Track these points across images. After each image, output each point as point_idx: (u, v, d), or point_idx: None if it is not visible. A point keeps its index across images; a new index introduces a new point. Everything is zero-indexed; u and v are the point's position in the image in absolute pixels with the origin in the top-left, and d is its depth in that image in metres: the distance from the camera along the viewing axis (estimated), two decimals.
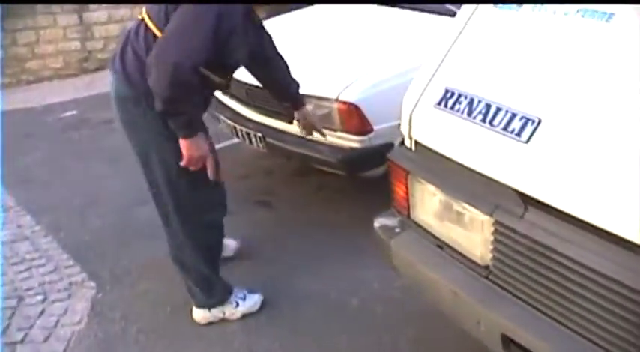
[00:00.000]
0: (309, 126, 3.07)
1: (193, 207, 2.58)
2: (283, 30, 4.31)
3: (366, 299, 2.92)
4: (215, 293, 2.79)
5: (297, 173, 4.14)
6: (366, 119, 3.13)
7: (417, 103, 2.02)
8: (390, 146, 3.30)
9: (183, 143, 2.32)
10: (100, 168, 4.55)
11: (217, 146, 4.71)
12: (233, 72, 2.58)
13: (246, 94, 3.58)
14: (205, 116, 2.65)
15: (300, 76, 3.43)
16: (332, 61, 3.50)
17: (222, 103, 3.84)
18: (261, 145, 3.52)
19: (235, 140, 4.51)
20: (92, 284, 3.19)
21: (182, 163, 2.36)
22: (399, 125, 3.33)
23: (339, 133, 3.22)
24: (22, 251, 3.52)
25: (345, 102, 3.12)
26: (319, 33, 4.07)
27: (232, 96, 3.74)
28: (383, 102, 3.18)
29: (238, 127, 3.61)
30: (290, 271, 3.19)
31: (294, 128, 3.37)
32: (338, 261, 3.23)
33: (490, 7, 2.00)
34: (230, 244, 3.25)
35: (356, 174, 3.37)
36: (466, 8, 2.09)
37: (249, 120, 3.59)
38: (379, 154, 3.29)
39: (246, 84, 3.54)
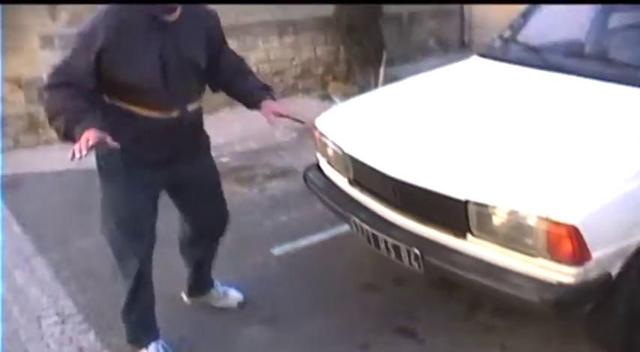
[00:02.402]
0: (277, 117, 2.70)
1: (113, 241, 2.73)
2: (436, 96, 3.34)
3: None
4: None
5: (435, 283, 3.22)
6: (585, 245, 2.25)
7: None
8: (607, 278, 2.43)
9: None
10: None
11: (319, 237, 3.87)
12: (169, 98, 2.49)
13: (394, 193, 2.71)
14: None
15: (469, 172, 2.56)
16: (523, 155, 2.59)
17: (354, 200, 2.97)
18: (416, 264, 2.63)
19: (343, 228, 3.64)
20: None
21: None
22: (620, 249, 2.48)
23: (540, 260, 2.33)
24: None
25: (559, 224, 2.23)
26: (495, 107, 3.04)
27: (372, 193, 2.87)
28: (607, 219, 2.33)
29: (381, 236, 2.73)
30: None
31: (471, 246, 2.50)
32: None
33: None
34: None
35: (563, 318, 2.47)
36: None
37: (399, 229, 2.71)
38: (595, 290, 2.41)
39: (393, 179, 2.68)
